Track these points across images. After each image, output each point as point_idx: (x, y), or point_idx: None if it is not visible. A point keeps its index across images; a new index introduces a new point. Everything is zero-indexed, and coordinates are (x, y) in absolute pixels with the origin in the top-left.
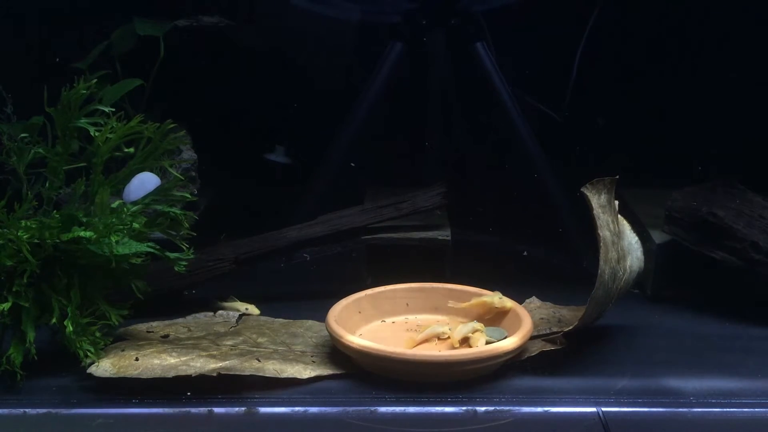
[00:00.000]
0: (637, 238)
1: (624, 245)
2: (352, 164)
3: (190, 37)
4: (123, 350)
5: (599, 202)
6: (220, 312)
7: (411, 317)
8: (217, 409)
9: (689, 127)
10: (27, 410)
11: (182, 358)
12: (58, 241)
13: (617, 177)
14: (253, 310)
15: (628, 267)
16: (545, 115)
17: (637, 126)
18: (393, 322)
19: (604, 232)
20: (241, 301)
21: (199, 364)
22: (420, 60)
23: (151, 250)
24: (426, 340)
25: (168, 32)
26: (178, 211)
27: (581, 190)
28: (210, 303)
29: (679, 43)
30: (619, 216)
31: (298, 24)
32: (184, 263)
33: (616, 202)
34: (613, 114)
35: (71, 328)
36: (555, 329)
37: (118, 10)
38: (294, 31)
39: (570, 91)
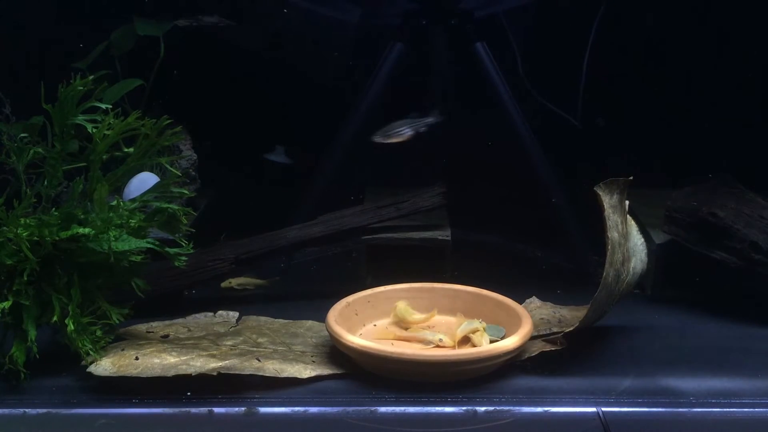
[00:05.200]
0: (643, 239)
1: (630, 246)
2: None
3: (190, 36)
4: (123, 350)
5: (611, 202)
6: (219, 312)
7: None
8: (217, 409)
9: (689, 127)
10: (27, 410)
11: (182, 358)
12: (57, 238)
13: (631, 178)
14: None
15: (631, 269)
16: (550, 115)
17: (637, 126)
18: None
19: (613, 234)
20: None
21: (199, 363)
22: (420, 60)
23: (151, 245)
24: (408, 341)
25: (168, 32)
26: (176, 207)
27: (594, 189)
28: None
29: (679, 42)
30: (628, 216)
31: (298, 24)
32: (184, 258)
33: (627, 203)
34: (613, 114)
35: (72, 327)
36: (555, 329)
37: (119, 11)
38: (294, 31)
39: (581, 94)
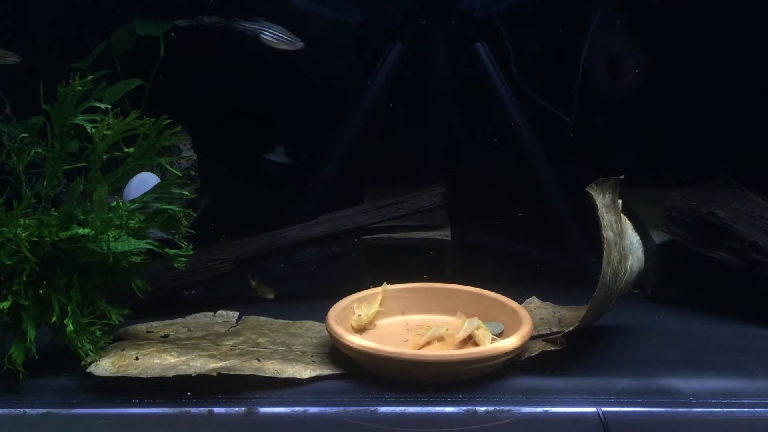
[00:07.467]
0: (638, 237)
1: (626, 245)
2: None
3: (190, 37)
4: (123, 350)
5: (604, 201)
6: (219, 312)
7: (411, 317)
8: (217, 409)
9: (689, 127)
10: (27, 410)
11: (182, 358)
12: (57, 239)
13: (622, 177)
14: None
15: (629, 267)
16: (549, 115)
17: (637, 125)
18: (393, 321)
19: (608, 233)
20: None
21: (199, 363)
22: (420, 60)
23: (150, 247)
24: (428, 343)
25: (168, 32)
26: (177, 209)
27: (586, 189)
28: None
29: (679, 42)
30: (621, 215)
31: (298, 24)
32: (184, 259)
33: (620, 201)
34: (613, 114)
35: (72, 327)
36: (555, 329)
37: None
38: (294, 32)
39: (577, 92)
